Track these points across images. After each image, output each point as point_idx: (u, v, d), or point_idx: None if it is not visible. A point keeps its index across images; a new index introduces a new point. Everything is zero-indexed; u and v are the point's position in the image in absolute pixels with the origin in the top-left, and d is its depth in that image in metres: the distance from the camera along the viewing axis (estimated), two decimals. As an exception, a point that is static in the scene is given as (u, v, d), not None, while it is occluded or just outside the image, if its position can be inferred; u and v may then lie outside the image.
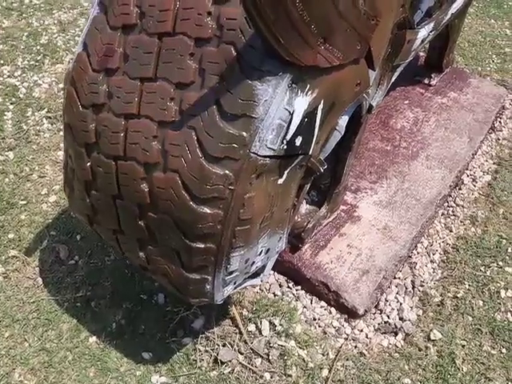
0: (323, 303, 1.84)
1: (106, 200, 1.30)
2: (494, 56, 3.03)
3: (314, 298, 1.86)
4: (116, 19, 1.23)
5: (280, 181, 1.22)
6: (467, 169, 2.35)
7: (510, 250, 2.05)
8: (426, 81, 2.60)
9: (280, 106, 1.09)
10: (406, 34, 1.54)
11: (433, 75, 2.60)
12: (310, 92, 1.14)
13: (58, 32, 3.12)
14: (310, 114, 1.17)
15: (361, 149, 2.20)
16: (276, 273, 1.90)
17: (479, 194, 2.27)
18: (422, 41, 1.68)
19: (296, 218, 1.84)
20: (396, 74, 1.68)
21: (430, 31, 1.70)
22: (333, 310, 1.83)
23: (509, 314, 1.86)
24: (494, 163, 2.41)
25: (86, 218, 1.43)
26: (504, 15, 3.34)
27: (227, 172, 1.11)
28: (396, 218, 2.00)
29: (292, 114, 1.12)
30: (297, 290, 1.88)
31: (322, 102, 1.20)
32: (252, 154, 1.10)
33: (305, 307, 1.83)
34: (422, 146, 2.28)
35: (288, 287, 1.89)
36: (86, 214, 1.41)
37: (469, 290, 1.92)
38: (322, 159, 1.43)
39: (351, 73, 1.26)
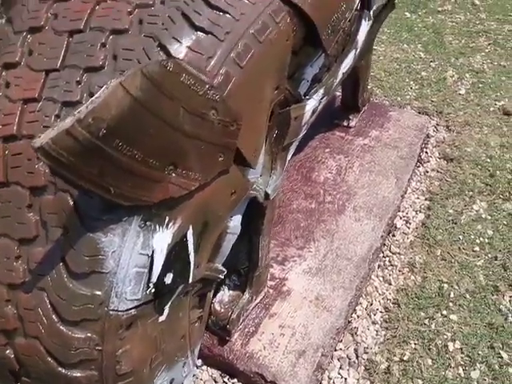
0: (263, 394, 1.72)
1: (-21, 364, 1.17)
2: (412, 82, 2.96)
3: (253, 389, 1.73)
4: None
5: (161, 318, 1.10)
6: (399, 211, 2.26)
7: (452, 295, 1.96)
8: (345, 123, 2.49)
9: (133, 253, 0.97)
10: (290, 112, 1.43)
11: (351, 116, 2.50)
12: (171, 224, 1.02)
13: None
14: (177, 245, 1.05)
15: (284, 212, 2.10)
16: (209, 368, 1.78)
17: (414, 236, 2.18)
18: (314, 111, 1.58)
19: (219, 308, 1.72)
20: (292, 151, 1.58)
21: (321, 98, 1.59)
22: (274, 400, 1.71)
23: (460, 368, 1.76)
24: (425, 199, 2.33)
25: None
26: (416, 38, 3.28)
27: (89, 334, 0.98)
28: (328, 284, 1.89)
29: (152, 256, 1.00)
30: (233, 384, 1.75)
31: (191, 226, 1.08)
32: (112, 312, 0.98)
33: (244, 402, 1.71)
34: (348, 197, 2.18)
35: (224, 382, 1.75)
36: None
37: (415, 349, 1.82)
38: (220, 266, 1.31)
39: (221, 185, 1.14)
